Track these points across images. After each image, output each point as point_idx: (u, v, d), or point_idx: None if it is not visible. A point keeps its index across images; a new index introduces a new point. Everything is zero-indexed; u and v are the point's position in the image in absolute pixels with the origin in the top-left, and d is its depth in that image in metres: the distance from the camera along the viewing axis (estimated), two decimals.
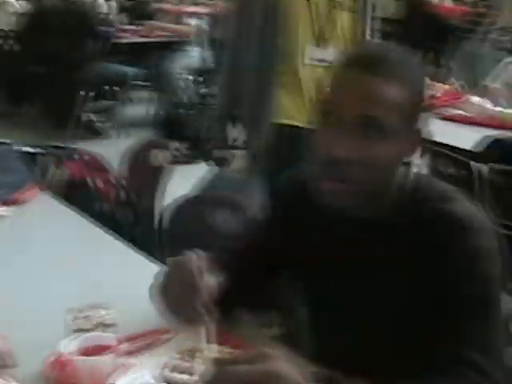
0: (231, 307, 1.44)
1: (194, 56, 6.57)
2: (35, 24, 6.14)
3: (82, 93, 6.02)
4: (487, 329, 1.06)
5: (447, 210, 1.15)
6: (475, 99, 3.69)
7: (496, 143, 2.65)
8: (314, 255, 1.25)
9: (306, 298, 1.37)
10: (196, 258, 1.26)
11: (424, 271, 1.12)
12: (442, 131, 3.47)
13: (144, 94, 7.15)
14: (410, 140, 1.19)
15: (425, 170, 3.19)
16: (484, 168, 2.46)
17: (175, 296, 1.25)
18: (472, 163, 2.48)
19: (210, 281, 1.29)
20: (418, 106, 1.19)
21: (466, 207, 1.16)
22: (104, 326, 1.32)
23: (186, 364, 1.27)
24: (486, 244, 1.12)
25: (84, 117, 6.21)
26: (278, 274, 1.43)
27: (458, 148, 2.92)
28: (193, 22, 6.75)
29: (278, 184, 1.45)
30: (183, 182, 4.95)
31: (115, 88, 6.16)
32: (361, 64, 1.14)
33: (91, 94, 6.12)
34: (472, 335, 1.05)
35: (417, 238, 1.15)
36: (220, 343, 1.31)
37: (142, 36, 6.91)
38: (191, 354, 1.29)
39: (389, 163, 1.16)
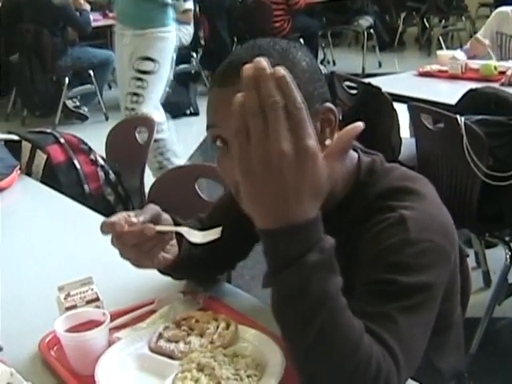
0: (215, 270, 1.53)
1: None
2: (12, 12, 6.07)
3: (66, 78, 5.98)
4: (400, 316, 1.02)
5: (392, 207, 1.11)
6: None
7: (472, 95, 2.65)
8: None
9: None
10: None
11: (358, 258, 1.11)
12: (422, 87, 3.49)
13: None
14: (321, 124, 1.10)
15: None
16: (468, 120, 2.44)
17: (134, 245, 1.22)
18: (459, 117, 2.46)
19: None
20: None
21: (415, 207, 1.11)
22: (94, 301, 1.32)
23: (182, 333, 1.27)
24: (420, 244, 1.08)
25: (69, 102, 6.17)
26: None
27: (441, 103, 2.92)
28: None
29: None
30: None
31: (97, 72, 6.10)
32: (218, 78, 1.10)
33: (74, 79, 6.07)
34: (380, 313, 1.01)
35: (358, 229, 1.13)
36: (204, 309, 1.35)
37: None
38: (187, 322, 1.30)
39: None
